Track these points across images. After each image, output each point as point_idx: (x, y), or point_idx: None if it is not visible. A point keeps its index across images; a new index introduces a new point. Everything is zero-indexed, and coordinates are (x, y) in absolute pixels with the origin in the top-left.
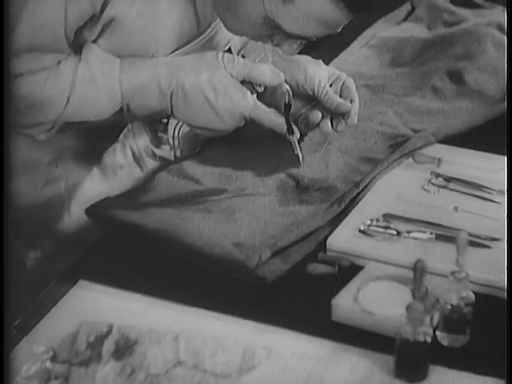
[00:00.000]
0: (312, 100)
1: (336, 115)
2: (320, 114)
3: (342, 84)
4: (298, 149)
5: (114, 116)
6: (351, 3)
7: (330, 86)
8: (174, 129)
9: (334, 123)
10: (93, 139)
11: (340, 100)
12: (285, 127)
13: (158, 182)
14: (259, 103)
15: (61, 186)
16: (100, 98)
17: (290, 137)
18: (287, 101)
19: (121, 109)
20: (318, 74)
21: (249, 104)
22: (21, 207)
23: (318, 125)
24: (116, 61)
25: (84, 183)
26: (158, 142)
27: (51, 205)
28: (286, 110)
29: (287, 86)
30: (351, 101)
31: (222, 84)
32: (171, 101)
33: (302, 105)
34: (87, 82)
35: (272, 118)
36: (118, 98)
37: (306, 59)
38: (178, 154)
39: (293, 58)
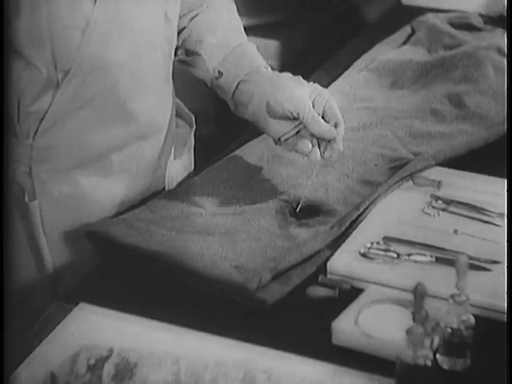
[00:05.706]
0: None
1: (322, 141)
2: (310, 145)
3: (325, 103)
4: None
5: None
6: None
7: (313, 105)
8: None
9: (321, 150)
10: None
11: (325, 127)
12: None
13: (159, 204)
14: None
15: None
16: None
17: None
18: None
19: None
20: (303, 96)
21: None
22: None
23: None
24: None
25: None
26: None
27: None
28: None
29: None
30: (336, 124)
31: None
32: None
33: (288, 124)
34: None
35: None
36: None
37: (287, 80)
38: None
39: (275, 81)
